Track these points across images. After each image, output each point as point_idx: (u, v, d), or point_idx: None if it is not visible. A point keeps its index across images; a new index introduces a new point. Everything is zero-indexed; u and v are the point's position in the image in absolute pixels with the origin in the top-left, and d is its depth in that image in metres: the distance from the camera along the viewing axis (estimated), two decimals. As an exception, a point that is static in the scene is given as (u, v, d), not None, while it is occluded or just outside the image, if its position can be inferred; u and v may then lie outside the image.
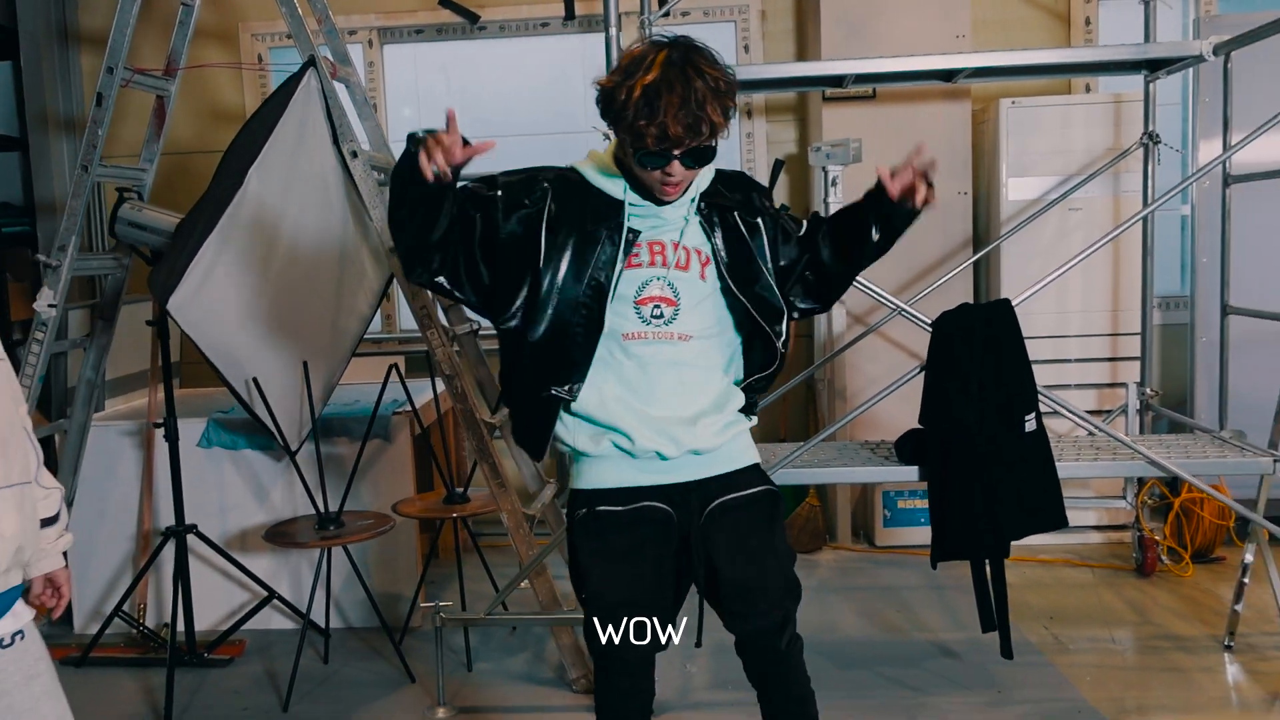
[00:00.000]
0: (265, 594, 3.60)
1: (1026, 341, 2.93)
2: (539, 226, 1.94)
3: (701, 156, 1.89)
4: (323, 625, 3.60)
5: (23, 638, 1.70)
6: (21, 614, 1.71)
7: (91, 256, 3.57)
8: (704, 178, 2.03)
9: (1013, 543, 2.93)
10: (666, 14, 4.39)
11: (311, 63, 3.11)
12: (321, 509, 3.36)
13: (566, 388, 1.96)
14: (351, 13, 4.86)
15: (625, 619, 1.98)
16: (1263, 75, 3.69)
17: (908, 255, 4.42)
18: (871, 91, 4.38)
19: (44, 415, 3.79)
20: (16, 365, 3.25)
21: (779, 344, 2.05)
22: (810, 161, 3.38)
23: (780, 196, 4.85)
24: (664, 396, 1.96)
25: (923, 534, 4.51)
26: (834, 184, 3.24)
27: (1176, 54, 3.44)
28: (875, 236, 2.08)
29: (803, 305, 2.17)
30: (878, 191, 2.05)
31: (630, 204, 1.96)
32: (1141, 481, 4.16)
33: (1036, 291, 3.08)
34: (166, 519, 3.64)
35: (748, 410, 2.09)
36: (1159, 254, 4.04)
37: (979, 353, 2.86)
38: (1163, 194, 3.32)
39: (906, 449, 3.08)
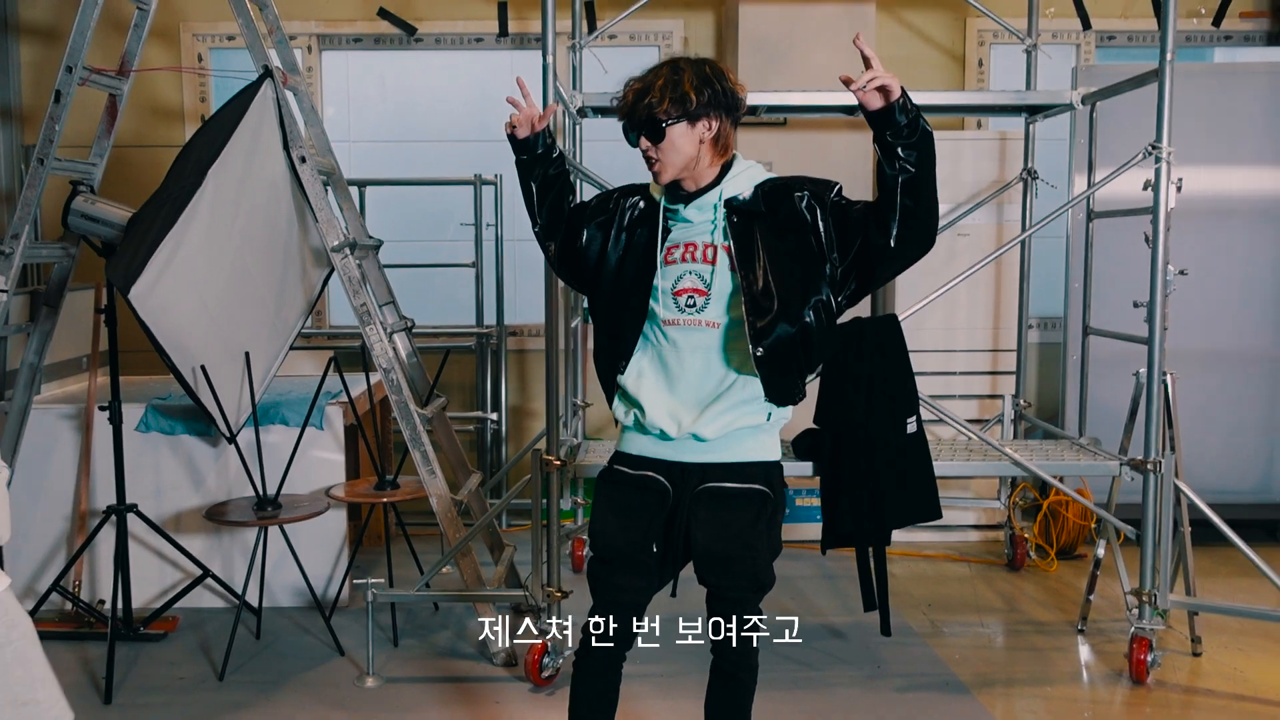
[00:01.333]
0: (198, 573, 3.78)
1: (916, 353, 3.30)
2: (607, 229, 2.33)
3: (653, 130, 2.16)
4: (255, 604, 3.80)
5: None
6: None
7: (41, 245, 3.71)
8: (732, 186, 2.23)
9: (899, 538, 3.30)
10: (595, 37, 4.72)
11: (268, 73, 3.33)
12: (260, 491, 3.57)
13: (619, 364, 2.30)
14: (292, 19, 5.05)
15: (612, 567, 2.29)
16: (1125, 121, 4.12)
17: (812, 271, 4.77)
18: (783, 120, 4.74)
19: (-17, 397, 3.91)
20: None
21: (764, 337, 2.17)
22: (724, 183, 3.69)
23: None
24: (689, 378, 2.24)
25: (818, 530, 4.84)
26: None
27: (1050, 101, 3.87)
28: (885, 161, 2.15)
29: (849, 289, 2.27)
30: (865, 114, 2.15)
31: (666, 207, 2.27)
32: (1014, 484, 4.59)
33: (923, 307, 3.46)
34: (103, 500, 3.80)
35: (780, 399, 2.25)
36: (1045, 278, 4.48)
37: (868, 361, 3.21)
38: (1037, 223, 3.74)
39: (802, 446, 3.42)
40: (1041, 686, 3.38)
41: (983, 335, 4.78)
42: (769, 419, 2.28)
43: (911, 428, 3.26)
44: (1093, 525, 4.64)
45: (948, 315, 4.71)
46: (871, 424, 3.23)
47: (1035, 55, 4.31)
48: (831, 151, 4.76)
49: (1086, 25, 5.06)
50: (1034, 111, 4.17)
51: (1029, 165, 4.34)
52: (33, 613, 3.72)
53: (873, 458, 3.23)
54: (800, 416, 3.60)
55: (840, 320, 3.17)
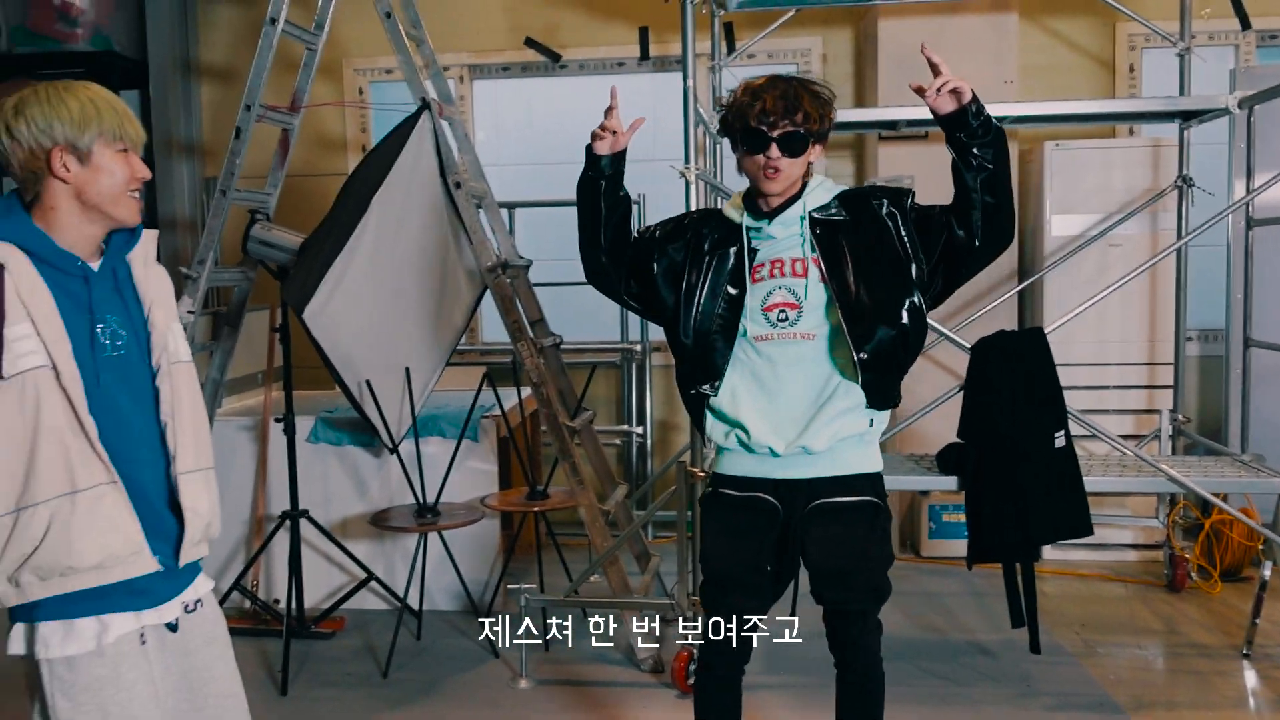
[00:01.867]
0: (364, 576, 4.01)
1: (1067, 367, 3.25)
2: (686, 253, 2.33)
3: (795, 143, 2.17)
4: (415, 607, 4.00)
5: (203, 605, 1.93)
6: (201, 584, 1.94)
7: (224, 270, 4.02)
8: (814, 197, 2.26)
9: (1051, 556, 3.24)
10: (735, 57, 4.80)
11: (426, 105, 3.53)
12: (420, 500, 3.77)
13: (708, 385, 2.29)
14: (445, 50, 5.30)
15: (724, 589, 2.34)
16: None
17: (956, 285, 4.73)
18: (924, 133, 4.72)
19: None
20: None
21: (865, 341, 2.19)
22: (866, 197, 3.72)
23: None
24: (790, 390, 2.23)
25: (965, 546, 4.80)
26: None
27: (1205, 106, 3.75)
28: (961, 163, 2.22)
29: (935, 290, 2.31)
30: (938, 119, 2.22)
31: (748, 226, 2.28)
32: (1174, 502, 4.43)
33: (1072, 319, 3.41)
34: (278, 506, 4.07)
35: (881, 403, 2.25)
36: (1203, 289, 4.31)
37: (1013, 374, 3.19)
38: (1191, 232, 3.63)
39: (947, 460, 3.41)
40: (1203, 711, 3.26)
41: (1137, 348, 4.64)
42: (871, 425, 2.29)
43: (1059, 441, 3.21)
44: (1259, 546, 4.44)
45: (1100, 328, 4.59)
46: (1017, 437, 3.20)
47: (1188, 59, 4.19)
48: (975, 163, 4.70)
49: (1246, 25, 4.83)
50: (1188, 117, 4.04)
51: (1184, 172, 4.21)
52: (216, 610, 4.04)
53: (1018, 471, 3.20)
54: (944, 430, 3.60)
55: (984, 334, 3.17)
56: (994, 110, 4.00)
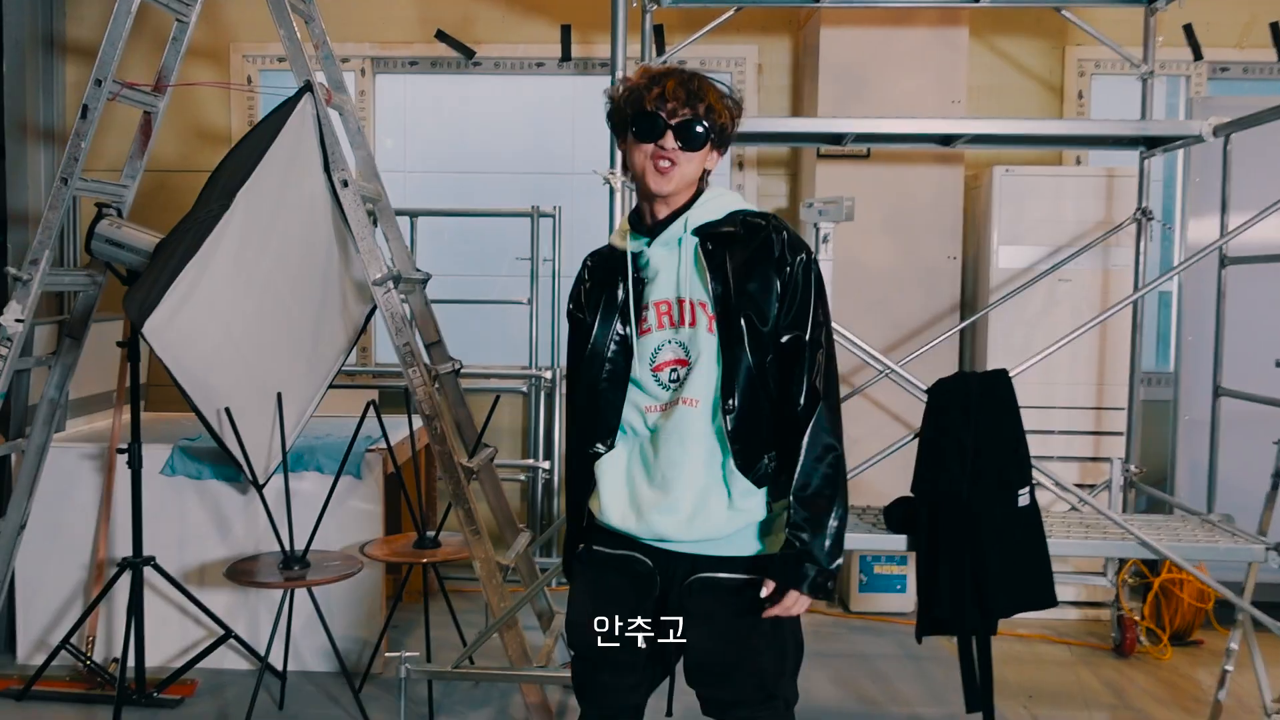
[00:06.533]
0: (221, 632, 3.45)
1: (1010, 410, 2.89)
2: (584, 303, 2.02)
3: (692, 136, 1.88)
4: (279, 668, 3.46)
5: None
6: None
7: (64, 272, 3.45)
8: (710, 208, 1.95)
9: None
10: (664, 61, 4.40)
11: (308, 88, 3.03)
12: (287, 547, 3.24)
13: (601, 444, 1.97)
14: (346, 40, 4.81)
15: (593, 657, 1.97)
16: (1257, 158, 3.69)
17: (894, 316, 4.40)
18: (866, 151, 4.37)
19: (2, 434, 3.64)
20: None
21: (748, 375, 1.88)
22: (802, 217, 3.36)
23: (769, 250, 4.81)
24: (666, 471, 1.89)
25: (899, 600, 4.43)
26: (825, 240, 3.20)
27: (1176, 132, 3.46)
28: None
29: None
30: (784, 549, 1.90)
31: (632, 250, 1.95)
32: (1123, 560, 4.11)
33: (1033, 364, 3.05)
34: (123, 548, 3.50)
35: (760, 479, 1.91)
36: (1146, 329, 4.03)
37: (974, 423, 2.81)
38: (1158, 273, 3.33)
39: (895, 516, 3.01)
40: (1170, 804, 2.92)
41: (1085, 391, 4.33)
42: (771, 512, 1.92)
43: (1024, 500, 2.84)
44: (1209, 607, 4.15)
45: (1046, 368, 4.20)
46: (976, 494, 2.81)
47: (1151, 83, 3.90)
48: (919, 187, 4.38)
49: (1198, 56, 4.65)
50: (1152, 145, 3.75)
51: (1143, 204, 3.92)
52: (42, 669, 3.45)
53: (977, 532, 2.81)
54: (893, 483, 3.21)
55: (940, 375, 2.77)
56: (946, 127, 3.73)
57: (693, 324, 1.91)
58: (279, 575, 3.15)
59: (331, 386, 3.62)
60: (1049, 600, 2.88)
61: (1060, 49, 4.78)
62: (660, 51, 4.42)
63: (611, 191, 3.00)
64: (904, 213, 4.39)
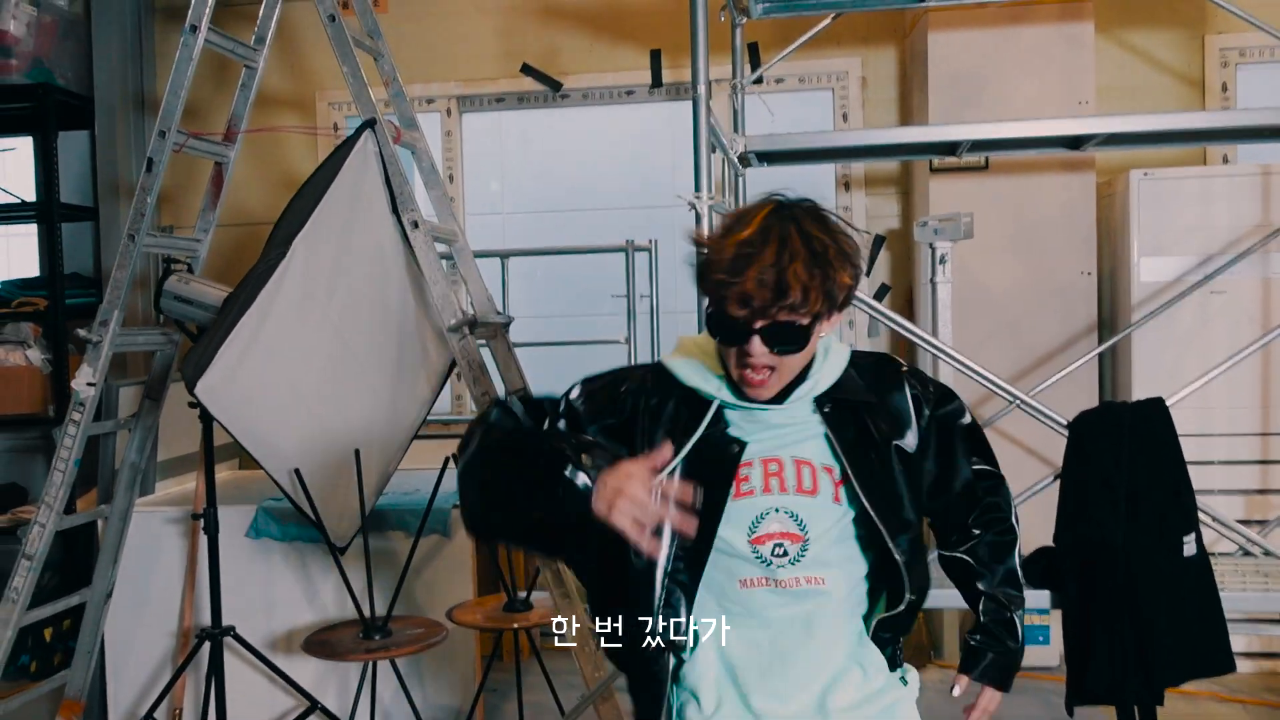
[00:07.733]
0: (308, 704, 3.27)
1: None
2: (628, 443, 1.57)
3: (785, 337, 1.44)
4: (368, 740, 3.26)
5: None
6: None
7: (138, 331, 3.35)
8: (827, 372, 1.57)
9: (1166, 687, 2.47)
10: (759, 80, 4.12)
11: (369, 124, 2.86)
12: (367, 615, 3.03)
13: (675, 642, 1.56)
14: (430, 80, 4.69)
15: None
16: None
17: (1024, 339, 4.00)
18: (984, 162, 4.01)
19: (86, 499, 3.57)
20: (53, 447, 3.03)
21: (901, 563, 1.55)
22: (916, 237, 3.05)
23: (881, 275, 4.48)
24: (789, 666, 1.55)
25: (1037, 654, 3.98)
26: (942, 261, 2.89)
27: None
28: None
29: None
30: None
31: (725, 403, 1.54)
32: (1303, 605, 3.60)
33: (1194, 391, 2.65)
34: (208, 615, 3.35)
35: (892, 664, 1.61)
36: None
37: (1127, 461, 2.43)
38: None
39: (1035, 570, 2.63)
40: None
41: (1249, 416, 3.84)
42: (905, 683, 1.63)
43: (1189, 548, 2.44)
44: None
45: (1202, 391, 3.78)
46: (1133, 544, 2.42)
47: (1311, 66, 3.45)
48: (1045, 198, 3.99)
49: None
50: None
51: (1310, 203, 3.46)
52: (127, 745, 3.32)
53: (1136, 589, 2.42)
54: (1031, 528, 2.83)
55: (1084, 407, 2.42)
56: (1073, 127, 3.34)
57: (813, 491, 1.54)
58: (359, 646, 2.94)
59: (421, 437, 3.43)
60: (1226, 665, 2.47)
61: (1199, 38, 4.33)
62: (755, 68, 4.16)
63: (698, 216, 2.73)
64: (1029, 227, 4.00)
